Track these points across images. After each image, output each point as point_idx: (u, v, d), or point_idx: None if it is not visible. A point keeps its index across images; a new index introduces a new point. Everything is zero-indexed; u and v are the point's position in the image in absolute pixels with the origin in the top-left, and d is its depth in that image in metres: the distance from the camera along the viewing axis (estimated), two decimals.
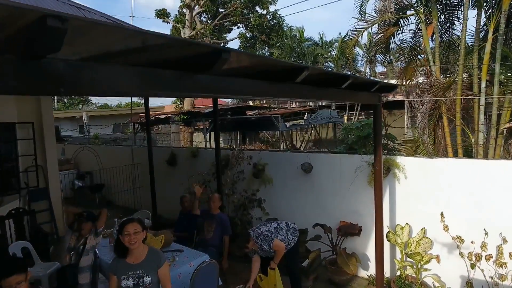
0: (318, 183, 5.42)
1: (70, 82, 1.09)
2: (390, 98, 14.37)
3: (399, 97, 13.55)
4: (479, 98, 4.71)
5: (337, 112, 14.68)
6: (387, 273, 4.65)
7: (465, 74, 5.50)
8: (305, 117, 13.44)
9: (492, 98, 4.58)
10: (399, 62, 10.43)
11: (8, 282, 2.33)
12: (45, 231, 5.87)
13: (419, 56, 7.30)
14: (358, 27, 6.83)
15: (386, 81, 16.90)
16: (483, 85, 4.71)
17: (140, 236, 2.65)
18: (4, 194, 5.92)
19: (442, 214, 4.27)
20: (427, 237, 4.17)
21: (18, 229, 5.60)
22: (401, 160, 4.59)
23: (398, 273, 4.45)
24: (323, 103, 17.51)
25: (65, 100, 41.07)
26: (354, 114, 16.17)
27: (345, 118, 15.09)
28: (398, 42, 7.34)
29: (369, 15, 6.87)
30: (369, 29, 7.66)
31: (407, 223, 4.46)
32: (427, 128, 5.18)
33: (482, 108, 4.60)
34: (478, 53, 5.17)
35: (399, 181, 4.63)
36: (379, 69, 18.31)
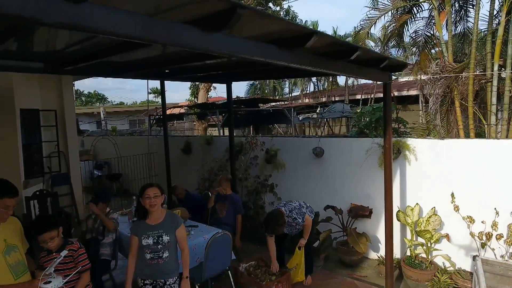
0: (329, 167, 5.51)
1: (102, 23, 1.26)
2: (405, 93, 14.30)
3: (413, 92, 13.44)
4: (492, 81, 4.73)
5: (350, 107, 14.64)
6: (397, 254, 4.71)
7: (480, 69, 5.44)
8: (317, 111, 13.50)
9: (505, 80, 4.58)
10: (413, 56, 10.39)
11: (42, 238, 2.53)
12: (67, 212, 6.16)
13: (433, 50, 7.29)
14: (370, 16, 6.86)
15: (400, 78, 16.76)
16: (496, 67, 4.72)
17: (159, 200, 2.83)
18: (30, 177, 6.23)
19: (452, 194, 4.31)
20: (436, 215, 4.22)
21: (42, 210, 5.90)
22: (411, 141, 4.65)
23: (408, 252, 4.50)
24: (336, 98, 17.53)
25: (83, 98, 42.35)
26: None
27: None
28: (411, 31, 7.35)
29: (381, 3, 6.90)
30: (383, 20, 7.64)
31: (417, 203, 4.51)
32: (439, 112, 5.21)
33: (494, 88, 4.62)
34: (492, 37, 5.16)
35: (409, 163, 4.68)
36: None
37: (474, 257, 3.24)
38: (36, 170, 6.58)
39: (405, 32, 7.35)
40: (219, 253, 3.66)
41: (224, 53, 1.82)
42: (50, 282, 2.32)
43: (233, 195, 4.96)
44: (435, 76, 5.26)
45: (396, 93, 13.25)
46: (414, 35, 6.94)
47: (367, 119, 5.15)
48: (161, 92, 5.48)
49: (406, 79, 15.90)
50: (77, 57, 3.08)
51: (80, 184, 7.39)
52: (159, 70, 4.25)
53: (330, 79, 18.77)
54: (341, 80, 19.40)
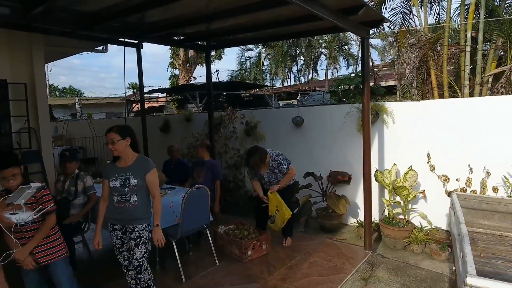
0: (309, 135, 5.51)
1: None
2: (383, 83, 14.64)
3: (391, 82, 13.76)
4: (465, 49, 4.87)
5: (330, 96, 14.80)
6: (376, 218, 4.74)
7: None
8: (298, 98, 13.55)
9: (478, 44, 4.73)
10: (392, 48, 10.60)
11: (4, 174, 2.37)
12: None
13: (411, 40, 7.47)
14: None
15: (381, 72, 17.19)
16: (469, 34, 4.86)
17: (118, 145, 2.65)
18: None
19: (428, 154, 4.39)
20: (413, 170, 4.27)
21: None
22: (389, 105, 4.70)
23: (387, 213, 4.54)
24: (317, 88, 17.71)
25: (57, 93, 40.97)
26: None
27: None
28: (390, 13, 7.49)
29: None
30: None
31: (394, 164, 4.56)
32: (415, 81, 5.30)
33: (468, 48, 4.76)
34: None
35: (387, 126, 4.74)
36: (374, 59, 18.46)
37: (450, 193, 3.29)
38: (4, 146, 6.24)
39: (383, 12, 7.48)
40: (196, 208, 3.57)
41: None
42: (16, 213, 2.18)
43: (212, 161, 4.87)
44: (411, 47, 5.36)
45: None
46: (392, 12, 7.08)
47: (345, 86, 5.17)
48: (137, 57, 5.30)
49: (385, 73, 16.35)
50: None
51: (52, 162, 7.08)
52: (134, 23, 4.11)
53: (311, 76, 18.96)
54: (322, 73, 19.63)
